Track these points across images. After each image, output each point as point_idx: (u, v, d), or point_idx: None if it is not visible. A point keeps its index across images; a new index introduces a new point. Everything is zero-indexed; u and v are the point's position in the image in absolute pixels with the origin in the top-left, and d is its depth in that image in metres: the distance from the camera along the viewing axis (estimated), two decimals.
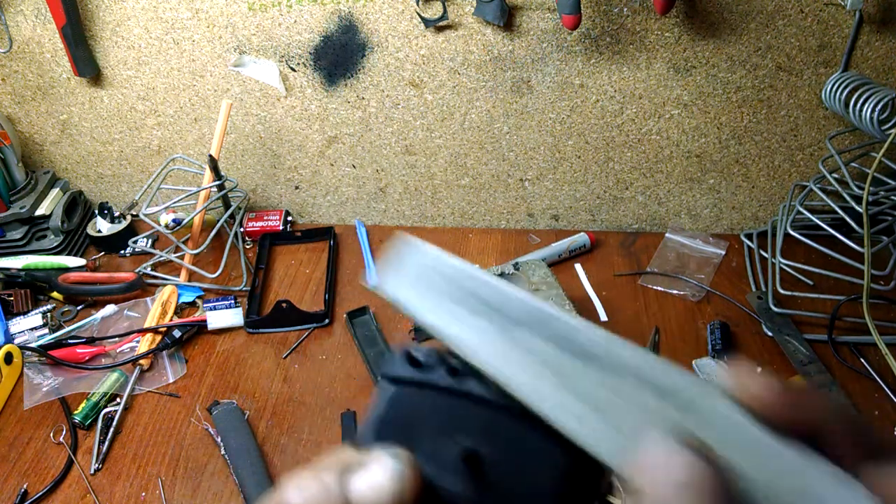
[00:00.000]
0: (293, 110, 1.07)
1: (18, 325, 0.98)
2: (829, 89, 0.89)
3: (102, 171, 1.20)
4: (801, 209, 0.91)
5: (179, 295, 1.01)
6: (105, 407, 0.86)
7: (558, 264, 1.05)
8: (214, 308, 0.98)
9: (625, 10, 0.90)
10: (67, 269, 1.06)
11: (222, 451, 0.80)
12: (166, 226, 1.06)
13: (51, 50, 1.05)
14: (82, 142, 1.16)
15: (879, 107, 0.80)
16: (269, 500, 0.21)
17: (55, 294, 1.04)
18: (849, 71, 0.90)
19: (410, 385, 0.24)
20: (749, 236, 1.06)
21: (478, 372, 0.23)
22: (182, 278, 1.05)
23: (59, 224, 1.10)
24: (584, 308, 0.96)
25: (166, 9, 0.98)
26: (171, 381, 0.90)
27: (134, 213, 1.15)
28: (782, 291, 0.91)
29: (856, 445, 0.19)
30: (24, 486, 0.78)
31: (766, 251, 1.00)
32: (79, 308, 1.02)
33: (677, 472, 0.18)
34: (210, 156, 1.02)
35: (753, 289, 0.98)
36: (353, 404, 0.86)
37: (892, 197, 0.85)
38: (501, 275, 0.88)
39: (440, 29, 0.95)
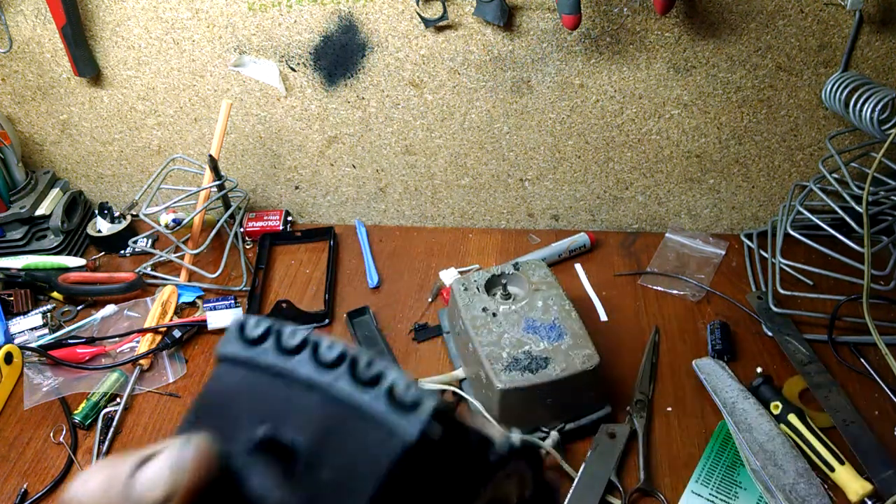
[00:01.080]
0: (293, 110, 1.07)
1: (18, 325, 0.98)
2: (829, 89, 0.89)
3: (102, 171, 1.20)
4: (801, 209, 0.91)
5: (179, 295, 1.01)
6: (105, 407, 0.86)
7: (558, 264, 1.05)
8: (214, 308, 0.98)
9: (625, 10, 0.90)
10: (67, 269, 1.06)
11: None
12: (166, 226, 1.06)
13: (51, 50, 1.05)
14: (82, 142, 1.16)
15: (879, 107, 0.80)
16: (63, 493, 0.21)
17: (55, 294, 1.04)
18: (849, 71, 0.90)
19: (236, 363, 0.22)
20: (749, 236, 1.06)
21: (310, 349, 0.22)
22: (182, 278, 1.05)
23: (59, 224, 1.10)
24: (584, 308, 0.96)
25: (166, 9, 0.98)
26: (171, 381, 0.90)
27: (134, 213, 1.15)
28: (782, 291, 0.91)
29: None
30: (25, 486, 0.78)
31: (766, 251, 1.00)
32: (79, 308, 1.02)
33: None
34: (210, 156, 1.02)
35: (753, 289, 0.98)
36: None
37: (892, 197, 0.85)
38: (501, 275, 0.88)
39: (440, 29, 0.95)
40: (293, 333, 0.22)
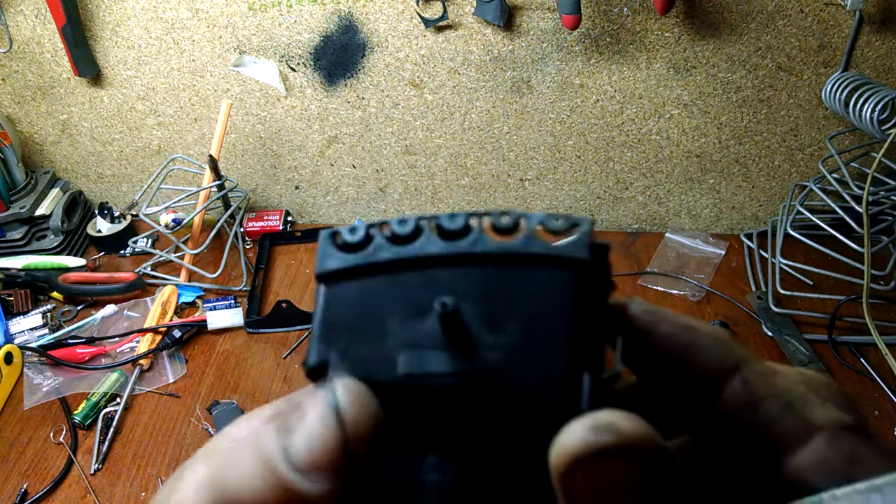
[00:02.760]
0: (293, 110, 1.07)
1: (18, 325, 0.98)
2: (829, 89, 0.89)
3: (102, 171, 1.20)
4: (801, 209, 0.91)
5: (179, 295, 1.01)
6: (105, 407, 0.86)
7: None
8: (214, 308, 0.98)
9: (625, 10, 0.90)
10: (67, 269, 1.06)
11: None
12: (166, 226, 1.06)
13: (51, 50, 1.05)
14: (82, 142, 1.16)
15: (879, 107, 0.80)
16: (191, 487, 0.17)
17: (55, 294, 1.04)
18: (849, 71, 0.90)
19: (348, 276, 0.19)
20: (749, 236, 1.06)
21: (431, 227, 0.19)
22: (182, 278, 1.05)
23: (59, 224, 1.10)
24: None
25: (166, 9, 0.98)
26: (171, 381, 0.90)
27: (134, 213, 1.15)
28: (782, 291, 0.91)
29: (723, 358, 0.19)
30: (24, 486, 0.78)
31: (766, 251, 1.00)
32: (79, 308, 1.02)
33: None
34: (210, 156, 1.02)
35: (753, 289, 0.98)
36: None
37: (893, 197, 0.85)
38: None
39: (440, 29, 0.95)
40: (403, 222, 0.19)
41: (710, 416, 0.19)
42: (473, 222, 0.19)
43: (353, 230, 0.19)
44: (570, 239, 0.18)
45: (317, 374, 0.18)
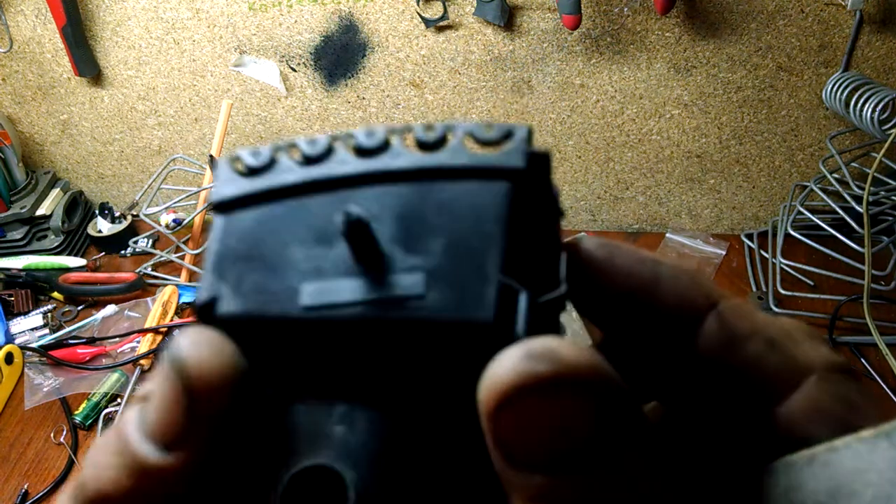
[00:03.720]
0: (294, 110, 1.07)
1: (19, 325, 0.98)
2: (829, 89, 0.89)
3: (103, 172, 1.20)
4: (801, 209, 0.91)
5: (180, 295, 1.01)
6: (106, 407, 0.86)
7: None
8: None
9: (625, 10, 0.90)
10: (68, 270, 1.06)
11: None
12: (167, 226, 1.06)
13: (51, 50, 1.05)
14: (83, 142, 1.16)
15: (880, 107, 0.80)
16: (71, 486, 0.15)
17: (56, 294, 1.04)
18: (849, 71, 0.90)
19: (248, 203, 0.16)
20: (749, 236, 1.06)
21: (346, 145, 0.17)
22: (183, 278, 1.05)
23: (60, 224, 1.10)
24: None
25: (167, 9, 0.98)
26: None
27: (134, 213, 1.15)
28: (783, 292, 0.91)
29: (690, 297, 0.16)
30: (25, 486, 0.78)
31: (767, 251, 1.00)
32: (79, 308, 1.02)
33: None
34: (211, 156, 1.02)
35: (754, 289, 0.98)
36: None
37: (893, 197, 0.85)
38: None
39: (441, 29, 0.95)
40: (313, 141, 0.17)
41: (685, 365, 0.16)
42: (394, 138, 0.17)
43: (255, 153, 0.17)
44: (504, 149, 0.16)
45: (204, 313, 0.16)
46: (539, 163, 0.16)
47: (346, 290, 0.15)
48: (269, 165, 0.17)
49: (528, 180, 0.16)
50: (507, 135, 0.16)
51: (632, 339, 0.17)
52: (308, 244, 0.16)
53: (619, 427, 0.12)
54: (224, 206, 0.17)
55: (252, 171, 0.17)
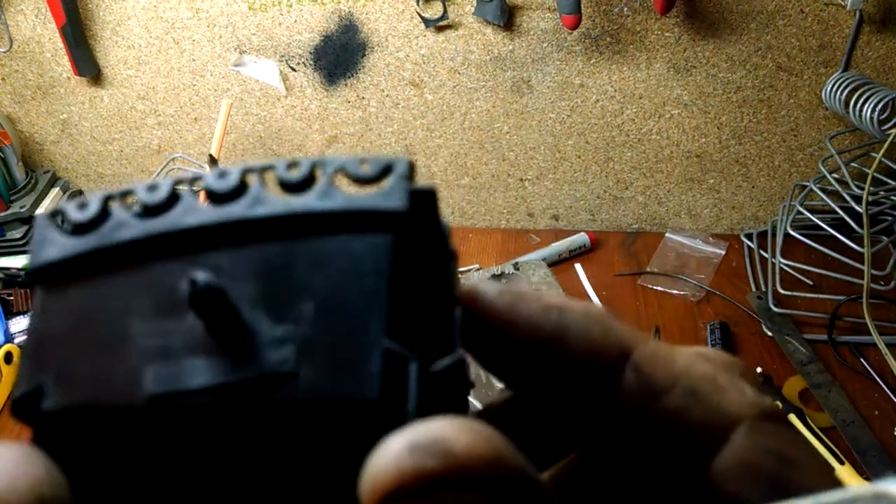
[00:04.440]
0: (293, 110, 1.07)
1: (18, 324, 0.98)
2: (829, 89, 0.89)
3: (103, 171, 1.20)
4: (801, 209, 0.91)
5: None
6: None
7: (558, 264, 1.05)
8: None
9: (625, 10, 0.90)
10: None
11: None
12: None
13: (51, 49, 1.05)
14: (82, 141, 1.16)
15: (880, 107, 0.80)
16: None
17: None
18: (849, 71, 0.90)
19: (73, 269, 0.13)
20: (749, 236, 1.06)
21: (194, 190, 0.14)
22: None
23: None
24: None
25: (166, 8, 0.99)
26: None
27: None
28: (782, 291, 0.91)
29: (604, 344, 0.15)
30: None
31: (766, 251, 1.00)
32: None
33: None
34: (210, 155, 1.02)
35: (753, 289, 0.98)
36: None
37: (893, 197, 0.85)
38: (501, 275, 0.88)
39: (440, 29, 0.95)
40: (153, 188, 0.14)
41: (604, 418, 0.15)
42: (252, 179, 0.14)
43: (82, 205, 0.14)
44: (382, 187, 0.14)
45: (24, 409, 0.13)
46: (423, 201, 0.14)
47: (201, 371, 0.12)
48: (100, 219, 0.14)
49: (412, 223, 0.14)
50: (385, 170, 0.14)
51: (544, 393, 0.16)
52: (151, 317, 0.13)
53: None
54: (44, 274, 0.14)
55: (79, 228, 0.14)
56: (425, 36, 0.96)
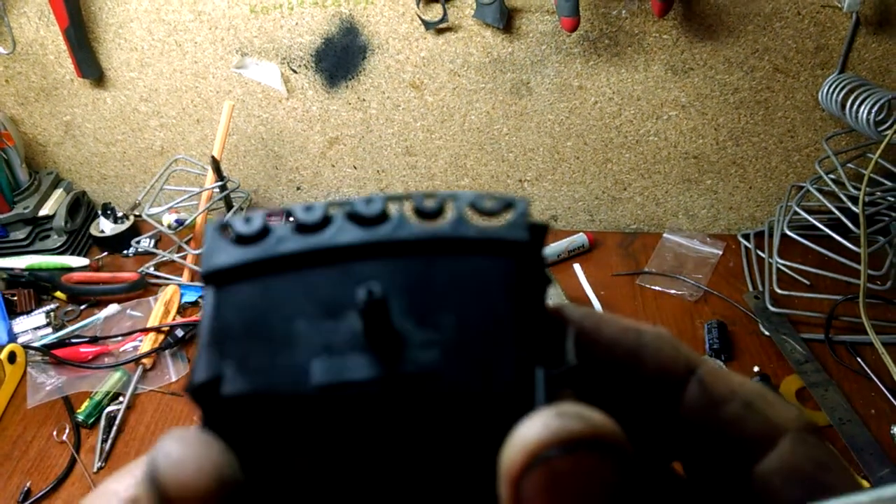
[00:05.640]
0: (295, 112, 1.07)
1: (22, 324, 0.99)
2: (825, 91, 0.90)
3: (105, 172, 1.20)
4: (797, 210, 0.91)
5: (182, 294, 1.02)
6: (108, 406, 0.86)
7: (557, 264, 1.05)
8: None
9: (623, 12, 0.91)
10: (71, 269, 1.07)
11: None
12: (169, 226, 1.06)
13: (54, 51, 1.06)
14: (85, 143, 1.16)
15: (876, 108, 0.81)
16: None
17: (58, 294, 1.05)
18: (845, 73, 0.91)
19: (243, 274, 0.15)
20: (746, 237, 1.07)
21: (344, 214, 0.16)
22: (185, 278, 1.06)
23: (63, 224, 1.11)
24: None
25: (169, 11, 0.99)
26: (173, 380, 0.91)
27: (137, 213, 1.16)
28: (779, 291, 0.91)
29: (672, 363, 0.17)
30: (28, 484, 0.79)
31: (763, 251, 1.01)
32: (82, 308, 1.03)
33: None
34: (212, 157, 1.02)
35: (750, 289, 0.98)
36: None
37: (889, 197, 0.85)
38: None
39: (440, 31, 0.96)
40: (309, 209, 0.16)
41: (669, 427, 0.17)
42: (393, 207, 0.16)
43: (248, 220, 0.16)
44: (506, 220, 0.16)
45: (205, 394, 0.14)
46: (538, 234, 0.16)
47: (360, 366, 0.14)
48: (263, 234, 0.16)
49: (531, 251, 0.16)
50: (508, 206, 0.16)
51: (617, 405, 0.17)
52: (313, 318, 0.15)
53: (636, 489, 0.13)
54: (217, 277, 0.15)
55: (244, 240, 0.16)
56: (425, 38, 0.97)
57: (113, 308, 1.01)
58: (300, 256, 0.15)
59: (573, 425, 0.12)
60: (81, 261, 1.09)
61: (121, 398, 0.87)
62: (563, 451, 0.12)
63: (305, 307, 0.15)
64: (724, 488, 0.17)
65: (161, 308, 0.98)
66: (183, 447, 0.13)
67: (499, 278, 0.15)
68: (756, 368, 0.86)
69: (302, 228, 0.16)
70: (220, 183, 1.05)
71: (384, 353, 0.14)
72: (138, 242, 1.12)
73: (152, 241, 1.15)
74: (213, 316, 0.15)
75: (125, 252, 1.13)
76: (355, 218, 0.16)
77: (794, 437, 0.16)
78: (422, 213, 0.16)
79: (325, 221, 0.16)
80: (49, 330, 0.98)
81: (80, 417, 0.84)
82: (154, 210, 1.02)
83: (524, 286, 0.15)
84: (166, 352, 0.94)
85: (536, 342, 0.15)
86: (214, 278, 0.15)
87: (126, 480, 0.15)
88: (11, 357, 0.90)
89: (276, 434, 0.14)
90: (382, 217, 0.16)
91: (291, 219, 0.16)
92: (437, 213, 0.16)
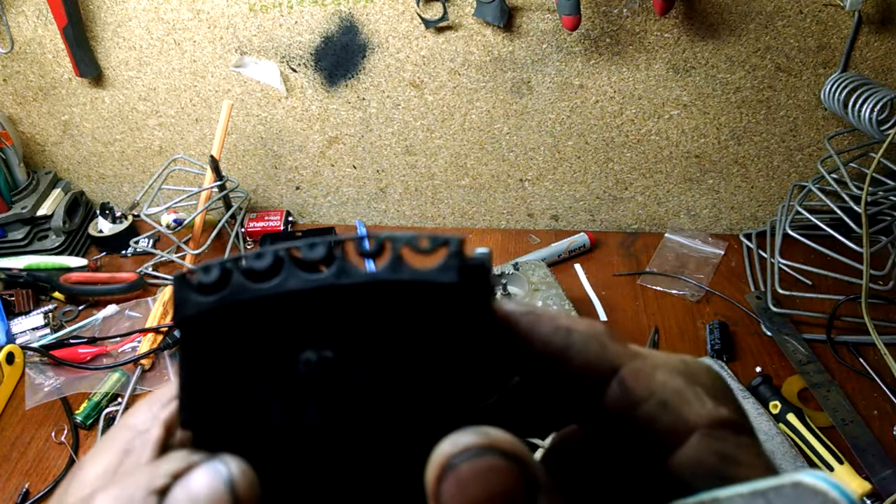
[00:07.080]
0: (294, 111, 1.07)
1: (20, 325, 0.98)
2: (828, 90, 0.90)
3: (104, 172, 1.20)
4: (799, 209, 0.91)
5: None
6: (106, 407, 0.86)
7: (558, 264, 1.05)
8: None
9: (624, 11, 0.90)
10: (69, 270, 1.07)
11: None
12: (167, 226, 1.06)
13: (52, 51, 1.05)
14: (84, 142, 1.16)
15: (878, 107, 0.80)
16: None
17: (57, 294, 1.04)
18: (848, 71, 0.90)
19: (207, 320, 0.18)
20: (748, 236, 1.06)
21: (291, 258, 0.18)
22: None
23: (61, 224, 1.10)
24: (583, 308, 0.96)
25: (167, 10, 0.99)
26: (172, 380, 0.90)
27: (135, 213, 1.15)
28: (781, 291, 0.91)
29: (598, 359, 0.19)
30: (26, 485, 0.78)
31: (765, 251, 1.00)
32: (80, 308, 1.02)
33: None
34: (211, 156, 1.02)
35: (752, 289, 0.98)
36: None
37: (891, 197, 0.85)
38: (501, 275, 0.88)
39: (440, 30, 0.95)
40: (260, 255, 0.18)
41: (595, 416, 0.19)
42: (336, 251, 0.18)
43: (206, 269, 0.18)
44: (438, 262, 0.17)
45: (192, 427, 0.18)
46: (470, 275, 0.18)
47: (314, 408, 0.17)
48: (223, 282, 0.18)
49: (462, 292, 0.17)
50: (441, 245, 0.18)
51: (548, 388, 0.20)
52: (271, 361, 0.17)
53: (539, 490, 0.15)
54: (185, 324, 0.18)
55: (206, 288, 0.18)
56: (425, 37, 0.96)
57: (111, 308, 1.00)
58: (253, 303, 0.18)
59: (473, 438, 0.15)
60: (80, 261, 1.09)
61: (119, 399, 0.87)
62: (464, 458, 0.15)
63: (263, 351, 0.18)
64: (646, 477, 0.19)
65: (160, 308, 0.97)
66: (245, 467, 0.16)
67: (432, 319, 0.17)
68: (758, 369, 0.86)
69: (254, 275, 0.18)
70: (219, 182, 1.04)
71: (332, 396, 0.17)
72: (137, 242, 1.12)
73: (151, 241, 1.14)
74: (187, 359, 0.18)
75: (124, 252, 1.13)
76: (301, 263, 0.18)
77: (702, 434, 0.17)
78: (363, 255, 0.18)
79: (276, 267, 0.18)
80: (47, 330, 0.98)
81: (79, 418, 0.84)
82: (153, 210, 1.01)
83: (456, 324, 0.17)
84: (165, 352, 0.94)
85: (464, 376, 0.17)
86: (184, 325, 0.18)
87: (143, 415, 0.19)
88: (9, 358, 0.89)
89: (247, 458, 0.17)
90: (327, 260, 0.18)
91: (243, 263, 0.18)
92: (376, 253, 0.18)
